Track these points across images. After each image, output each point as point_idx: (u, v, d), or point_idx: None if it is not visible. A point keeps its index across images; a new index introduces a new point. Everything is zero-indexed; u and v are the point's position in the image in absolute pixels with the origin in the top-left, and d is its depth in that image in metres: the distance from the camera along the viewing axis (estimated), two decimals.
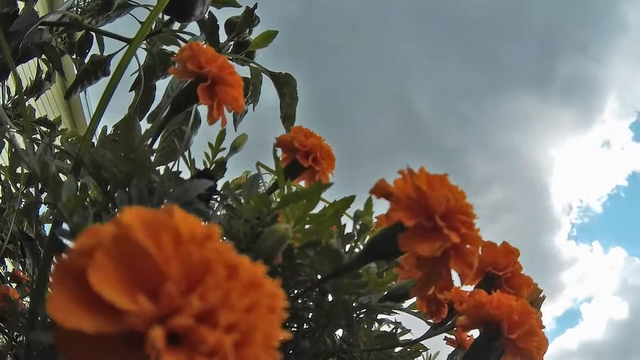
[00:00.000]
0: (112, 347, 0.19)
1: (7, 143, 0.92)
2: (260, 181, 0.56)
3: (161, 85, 0.79)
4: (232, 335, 0.19)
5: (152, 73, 0.76)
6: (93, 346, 0.19)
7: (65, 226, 0.39)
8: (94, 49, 0.89)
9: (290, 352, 0.46)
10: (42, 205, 0.93)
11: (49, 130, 1.12)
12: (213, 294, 0.19)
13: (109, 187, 0.43)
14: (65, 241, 0.41)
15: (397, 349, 0.54)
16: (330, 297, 0.46)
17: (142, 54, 0.79)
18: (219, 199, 0.52)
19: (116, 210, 0.41)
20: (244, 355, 0.20)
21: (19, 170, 0.96)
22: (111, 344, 0.19)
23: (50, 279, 0.19)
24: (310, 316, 0.49)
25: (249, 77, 0.82)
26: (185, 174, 0.49)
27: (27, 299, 0.80)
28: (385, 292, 0.47)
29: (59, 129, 1.19)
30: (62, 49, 0.93)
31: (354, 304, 0.45)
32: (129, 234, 0.19)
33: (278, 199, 0.44)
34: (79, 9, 0.80)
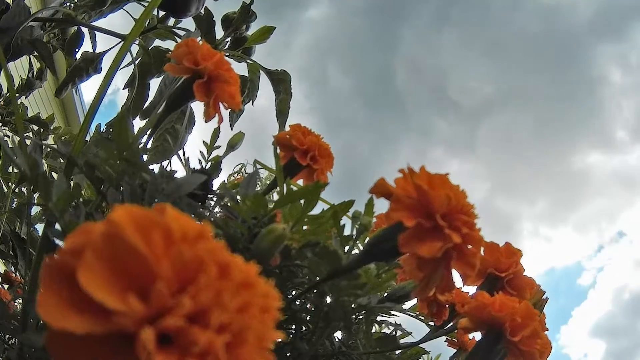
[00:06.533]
0: (103, 348, 0.19)
1: None
2: (257, 179, 0.55)
3: (154, 83, 0.78)
4: (224, 336, 0.19)
5: (147, 70, 0.75)
6: (83, 347, 0.19)
7: (57, 226, 0.38)
8: (86, 46, 0.88)
9: (288, 354, 0.46)
10: (35, 205, 0.91)
11: (41, 129, 1.11)
12: (204, 294, 0.19)
13: (102, 186, 0.42)
14: (58, 242, 0.40)
15: (397, 352, 0.53)
16: (328, 299, 0.45)
17: (135, 50, 0.79)
18: (215, 199, 0.51)
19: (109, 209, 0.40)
20: (236, 356, 0.19)
21: (10, 169, 0.95)
22: (102, 345, 0.19)
23: (41, 279, 0.19)
24: (308, 318, 0.48)
25: (245, 74, 0.81)
26: (181, 174, 0.48)
27: (20, 300, 0.79)
28: (385, 294, 0.46)
29: (51, 127, 1.18)
30: (54, 45, 0.92)
31: (352, 306, 0.44)
32: (119, 233, 0.19)
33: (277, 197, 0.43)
34: (72, 5, 0.79)
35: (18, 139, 0.50)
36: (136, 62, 0.75)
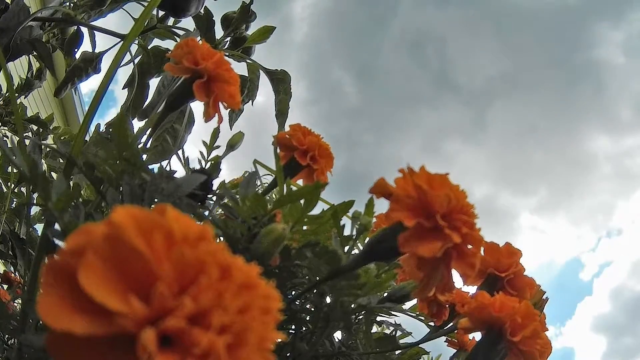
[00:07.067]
0: (104, 349, 0.19)
1: None
2: (257, 180, 0.55)
3: (154, 83, 0.78)
4: (225, 337, 0.19)
5: (146, 70, 0.75)
6: (84, 348, 0.18)
7: (57, 226, 0.38)
8: (86, 45, 0.88)
9: (288, 354, 0.46)
10: (34, 205, 0.91)
11: (41, 128, 1.10)
12: (206, 295, 0.19)
13: (102, 186, 0.42)
14: (58, 242, 0.40)
15: (397, 352, 0.53)
16: (328, 299, 0.45)
17: (134, 50, 0.78)
18: (214, 199, 0.51)
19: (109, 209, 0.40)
20: (237, 358, 0.19)
21: (10, 169, 0.95)
22: (102, 346, 0.19)
23: (41, 280, 0.19)
24: (308, 318, 0.48)
25: (245, 74, 0.81)
26: (180, 174, 0.48)
27: (19, 300, 0.79)
28: (385, 294, 0.46)
29: (51, 127, 1.18)
30: (53, 45, 0.91)
31: (352, 306, 0.44)
32: (120, 234, 0.19)
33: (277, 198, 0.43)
34: (71, 4, 0.78)
35: (17, 138, 0.50)
36: (135, 62, 0.75)
